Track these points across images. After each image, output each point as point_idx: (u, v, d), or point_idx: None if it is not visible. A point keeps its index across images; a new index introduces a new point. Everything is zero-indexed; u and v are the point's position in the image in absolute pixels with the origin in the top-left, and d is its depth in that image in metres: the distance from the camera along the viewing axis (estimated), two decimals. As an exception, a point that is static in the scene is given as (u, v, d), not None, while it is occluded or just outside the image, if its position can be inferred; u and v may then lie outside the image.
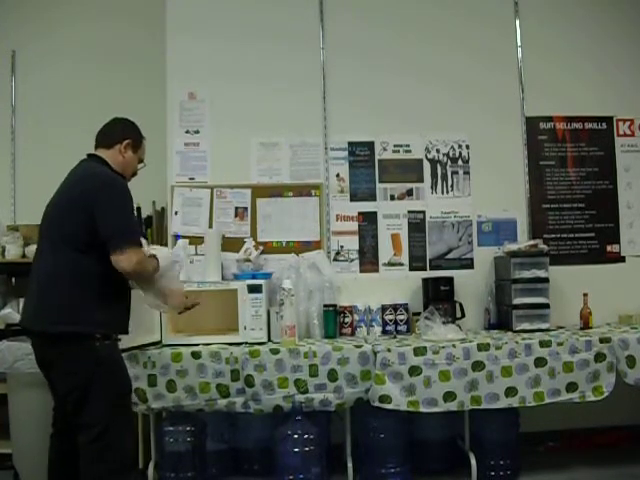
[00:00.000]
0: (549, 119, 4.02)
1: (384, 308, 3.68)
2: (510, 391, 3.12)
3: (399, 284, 3.82)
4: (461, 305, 3.67)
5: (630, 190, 4.03)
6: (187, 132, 3.82)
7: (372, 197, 3.90)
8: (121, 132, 2.66)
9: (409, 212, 3.91)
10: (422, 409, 3.07)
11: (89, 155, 2.65)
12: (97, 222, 2.36)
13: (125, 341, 2.68)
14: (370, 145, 3.92)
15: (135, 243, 2.42)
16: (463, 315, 3.65)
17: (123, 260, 2.35)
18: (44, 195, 3.98)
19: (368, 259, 3.86)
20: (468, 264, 3.90)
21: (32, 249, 3.63)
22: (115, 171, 2.60)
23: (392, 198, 3.91)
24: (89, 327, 2.39)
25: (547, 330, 3.49)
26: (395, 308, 3.68)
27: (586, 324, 3.59)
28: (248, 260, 3.62)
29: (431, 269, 3.87)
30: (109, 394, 2.40)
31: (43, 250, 2.50)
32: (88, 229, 2.38)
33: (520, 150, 3.98)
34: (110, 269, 2.37)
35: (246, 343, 3.25)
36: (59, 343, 2.37)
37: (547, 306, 3.56)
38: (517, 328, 3.52)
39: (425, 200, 3.92)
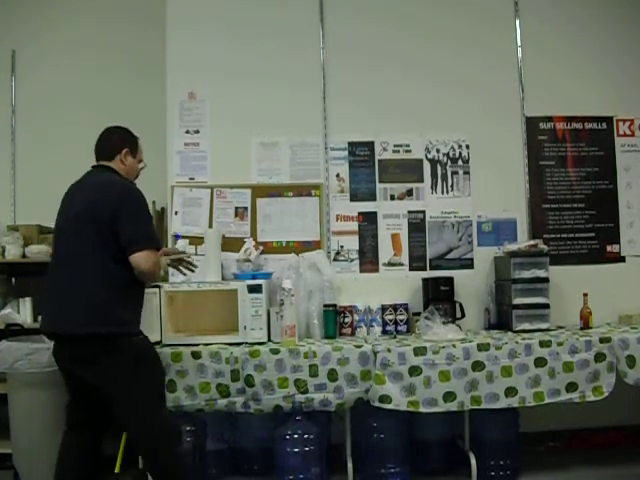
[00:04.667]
0: (549, 119, 4.02)
1: (384, 308, 3.68)
2: (510, 391, 3.12)
3: (399, 284, 3.82)
4: (461, 305, 3.67)
5: (630, 190, 4.03)
6: (187, 132, 3.82)
7: (372, 197, 3.90)
8: (117, 142, 2.76)
9: (409, 212, 3.90)
10: (422, 409, 3.08)
11: (96, 166, 2.75)
12: (119, 227, 2.49)
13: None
14: (370, 145, 3.92)
15: (153, 246, 2.57)
16: (463, 315, 3.65)
17: (142, 261, 2.48)
18: (44, 195, 4.01)
19: (368, 259, 3.86)
20: (468, 264, 3.90)
21: (32, 249, 3.66)
22: (123, 178, 2.72)
23: (392, 198, 3.91)
24: (122, 327, 2.51)
25: (547, 330, 3.49)
26: (395, 308, 3.68)
27: (586, 324, 3.59)
28: (248, 260, 3.62)
29: (431, 269, 3.87)
30: (151, 384, 2.59)
31: (67, 255, 2.54)
32: (113, 235, 2.50)
33: (520, 150, 3.98)
34: (126, 273, 2.51)
35: (246, 343, 3.25)
36: (96, 343, 2.43)
37: (547, 306, 3.56)
38: (517, 328, 3.52)
39: (425, 200, 3.92)
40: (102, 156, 2.76)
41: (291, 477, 3.10)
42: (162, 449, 2.54)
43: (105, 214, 2.50)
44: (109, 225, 2.49)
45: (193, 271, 3.08)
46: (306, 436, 3.11)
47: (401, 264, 3.88)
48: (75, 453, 2.61)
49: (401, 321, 3.67)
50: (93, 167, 2.76)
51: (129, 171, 2.76)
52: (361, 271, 3.85)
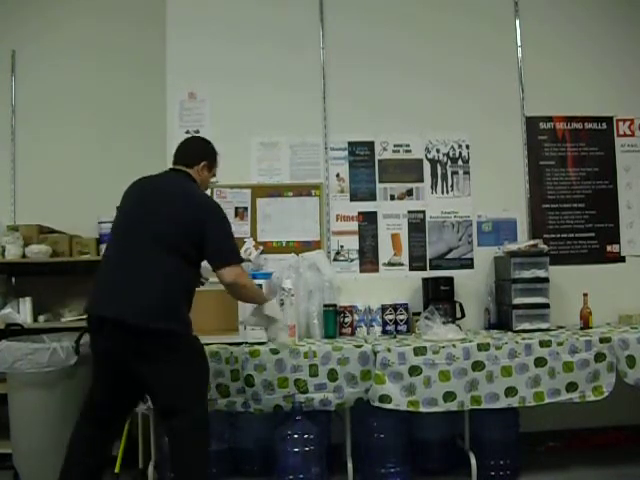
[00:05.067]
0: (549, 119, 4.02)
1: (384, 308, 3.68)
2: (510, 391, 3.12)
3: (399, 284, 3.82)
4: (461, 305, 3.67)
5: (630, 190, 4.03)
6: (187, 132, 3.81)
7: (372, 197, 3.90)
8: (200, 154, 2.87)
9: (409, 212, 3.91)
10: (422, 409, 3.07)
11: (177, 170, 2.82)
12: (207, 241, 2.60)
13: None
14: (370, 145, 3.92)
15: (238, 261, 2.68)
16: (463, 315, 3.66)
17: (227, 273, 2.60)
18: (44, 195, 4.06)
19: (368, 259, 3.86)
20: (468, 264, 3.90)
21: (32, 249, 3.66)
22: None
23: (392, 198, 3.91)
24: (186, 326, 2.60)
25: (547, 330, 3.49)
26: (395, 308, 3.68)
27: (586, 324, 3.59)
28: (248, 260, 3.62)
29: (431, 269, 3.87)
30: (203, 380, 2.72)
31: (143, 249, 2.56)
32: (194, 244, 2.59)
33: (520, 150, 3.98)
34: (195, 278, 2.69)
35: (246, 343, 3.25)
36: (161, 339, 2.49)
37: (547, 306, 3.56)
38: (517, 328, 3.52)
39: (425, 200, 3.92)
40: (182, 161, 2.84)
41: (291, 477, 3.10)
42: (196, 444, 2.59)
43: (191, 223, 2.58)
44: (193, 234, 2.58)
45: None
46: (306, 436, 3.11)
47: (401, 264, 3.88)
48: (89, 444, 2.62)
49: (401, 321, 3.67)
50: (173, 170, 2.84)
51: (202, 183, 2.85)
52: (361, 271, 3.85)
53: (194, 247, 2.59)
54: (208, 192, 3.02)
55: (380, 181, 3.91)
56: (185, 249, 2.58)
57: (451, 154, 3.95)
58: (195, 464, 2.57)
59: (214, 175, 2.95)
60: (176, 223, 2.58)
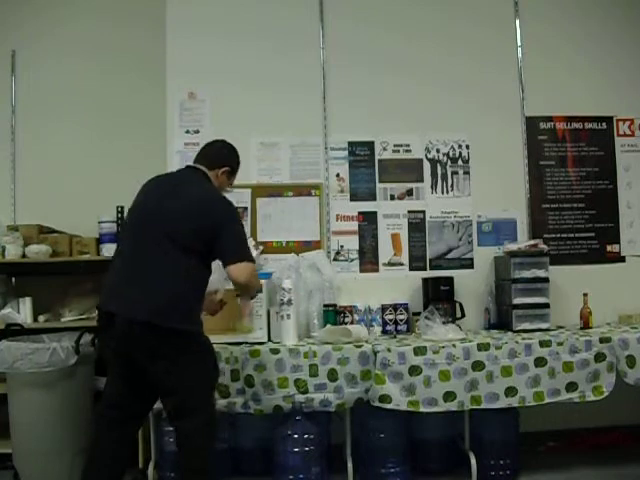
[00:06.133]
0: (549, 119, 4.02)
1: (384, 308, 3.68)
2: (510, 391, 3.12)
3: (399, 284, 3.82)
4: (461, 305, 3.67)
5: (630, 190, 4.03)
6: (187, 132, 3.81)
7: (372, 197, 3.90)
8: (223, 159, 2.86)
9: (409, 212, 3.91)
10: (422, 409, 3.08)
11: (195, 168, 2.79)
12: (221, 241, 2.57)
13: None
14: (370, 145, 3.92)
15: (251, 259, 2.66)
16: (463, 315, 3.65)
17: (240, 272, 2.57)
18: (44, 195, 4.06)
19: (368, 259, 3.86)
20: (468, 264, 3.90)
21: (32, 249, 3.65)
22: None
23: (392, 198, 3.91)
24: (198, 325, 2.62)
25: (547, 330, 3.49)
26: (395, 308, 3.68)
27: (586, 324, 3.59)
28: (248, 260, 3.61)
29: (431, 269, 3.87)
30: (212, 381, 2.73)
31: (156, 245, 2.54)
32: (207, 244, 2.57)
33: (520, 150, 3.98)
34: (207, 278, 2.65)
35: (246, 343, 3.25)
36: (171, 337, 2.47)
37: (547, 306, 3.56)
38: (517, 328, 3.52)
39: (425, 200, 3.92)
40: (203, 161, 2.82)
41: (291, 477, 3.10)
42: (206, 443, 2.62)
43: (207, 223, 2.57)
44: (207, 233, 2.56)
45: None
46: (306, 436, 3.11)
47: (401, 264, 3.88)
48: (117, 440, 2.63)
49: (401, 321, 3.67)
50: (190, 167, 2.81)
51: (219, 187, 2.83)
52: (361, 271, 3.85)
53: (207, 247, 2.57)
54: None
55: (380, 181, 3.91)
56: (199, 248, 2.56)
57: (451, 154, 3.95)
58: (204, 463, 2.59)
59: (231, 184, 2.95)
60: (191, 222, 2.56)
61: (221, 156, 2.87)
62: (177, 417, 2.59)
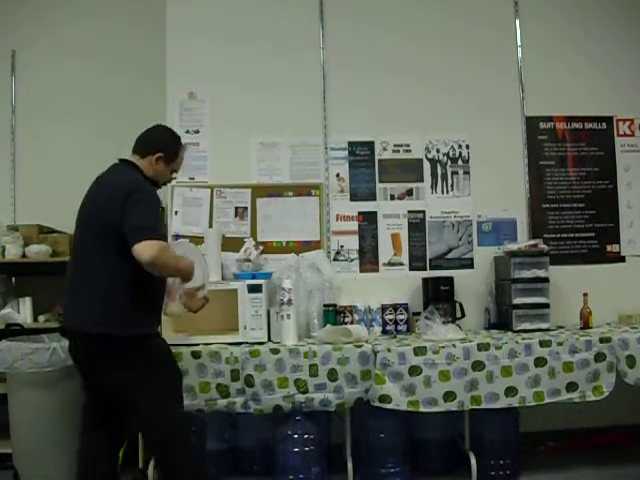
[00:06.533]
0: (549, 119, 4.02)
1: (384, 308, 3.68)
2: (510, 391, 3.12)
3: (399, 284, 3.82)
4: (461, 305, 3.67)
5: (630, 190, 4.03)
6: (187, 132, 3.81)
7: (372, 197, 3.90)
8: (156, 144, 2.65)
9: (409, 212, 3.91)
10: (422, 409, 3.08)
11: (121, 160, 2.65)
12: (123, 222, 2.36)
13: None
14: (370, 145, 3.92)
15: (155, 236, 2.37)
16: (463, 315, 3.65)
17: (143, 250, 2.30)
18: (44, 195, 4.06)
19: (368, 259, 3.86)
20: (468, 264, 3.90)
21: (32, 249, 3.66)
22: (147, 177, 2.61)
23: (392, 198, 3.91)
24: (137, 328, 2.43)
25: (547, 330, 3.49)
26: (395, 308, 3.68)
27: (586, 324, 3.59)
28: (248, 260, 3.62)
29: (431, 269, 3.87)
30: (172, 386, 2.57)
31: (79, 253, 2.51)
32: (119, 231, 2.37)
33: (520, 150, 3.98)
34: (137, 273, 2.37)
35: (246, 343, 3.26)
36: (110, 344, 2.37)
37: (547, 306, 3.56)
38: (517, 328, 3.52)
39: (425, 200, 3.92)
40: (136, 149, 2.65)
41: (291, 477, 3.10)
42: (172, 449, 2.49)
43: (115, 213, 2.37)
44: (116, 224, 2.37)
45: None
46: (306, 436, 3.11)
47: (401, 264, 3.88)
48: (99, 453, 2.57)
49: (401, 321, 3.67)
50: (119, 160, 2.65)
51: (156, 176, 2.65)
52: (361, 271, 3.85)
53: (121, 236, 2.36)
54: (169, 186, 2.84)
55: (380, 181, 3.91)
56: (117, 241, 2.36)
57: (451, 154, 3.95)
58: (182, 468, 2.50)
59: (174, 171, 2.74)
60: (102, 217, 2.41)
61: (152, 141, 2.65)
62: (135, 427, 2.52)
